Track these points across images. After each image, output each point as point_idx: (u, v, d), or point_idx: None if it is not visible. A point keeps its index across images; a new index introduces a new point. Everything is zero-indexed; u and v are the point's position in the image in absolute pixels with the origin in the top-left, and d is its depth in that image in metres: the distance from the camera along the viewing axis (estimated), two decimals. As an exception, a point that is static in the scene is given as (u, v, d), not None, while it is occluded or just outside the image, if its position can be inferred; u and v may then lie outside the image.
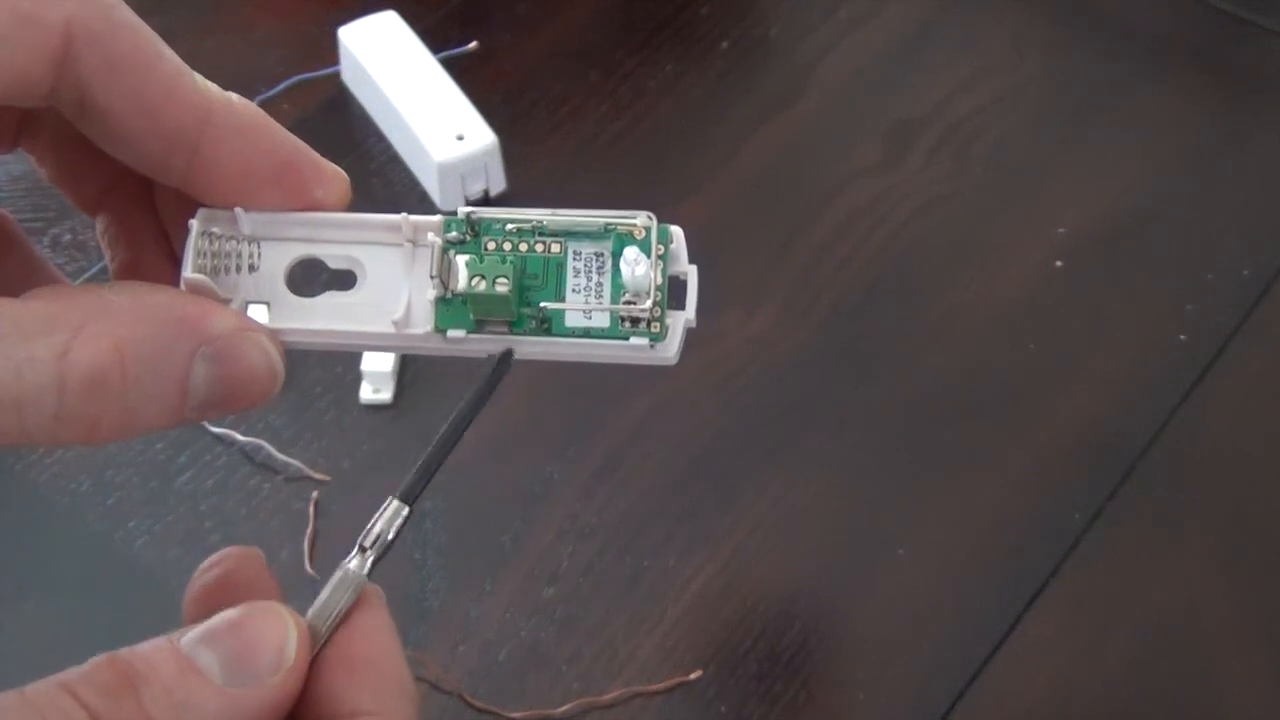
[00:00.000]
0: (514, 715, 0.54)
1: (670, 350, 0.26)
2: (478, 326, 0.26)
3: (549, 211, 0.27)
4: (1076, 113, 0.75)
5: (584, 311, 0.26)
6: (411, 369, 0.63)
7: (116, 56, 0.24)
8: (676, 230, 0.27)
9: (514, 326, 0.26)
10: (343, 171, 0.27)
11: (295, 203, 0.26)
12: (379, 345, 0.27)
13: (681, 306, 0.27)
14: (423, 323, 0.26)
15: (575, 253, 0.27)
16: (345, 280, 0.27)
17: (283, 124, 0.27)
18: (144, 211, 0.28)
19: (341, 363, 0.63)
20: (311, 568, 0.57)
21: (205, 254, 0.26)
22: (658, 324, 0.26)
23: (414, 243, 0.27)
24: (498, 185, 0.69)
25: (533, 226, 0.26)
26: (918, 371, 0.65)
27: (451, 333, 0.26)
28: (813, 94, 0.75)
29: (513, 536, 0.59)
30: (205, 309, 0.24)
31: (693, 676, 0.55)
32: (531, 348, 0.27)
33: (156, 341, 0.23)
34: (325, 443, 0.61)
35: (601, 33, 0.77)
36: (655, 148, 0.72)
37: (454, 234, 0.26)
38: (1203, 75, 0.77)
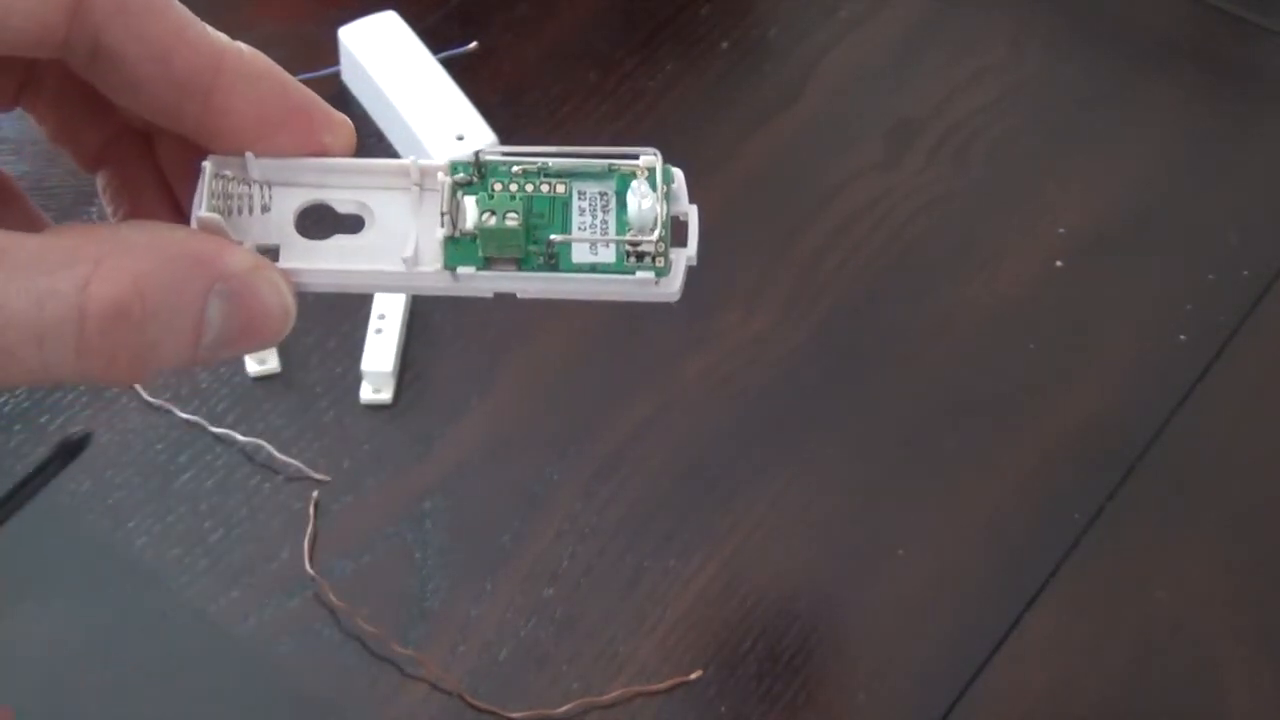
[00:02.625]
0: (514, 715, 0.54)
1: (674, 286, 0.27)
2: (486, 265, 0.27)
3: (555, 150, 0.27)
4: (1076, 113, 0.75)
5: (591, 245, 0.27)
6: (412, 369, 0.63)
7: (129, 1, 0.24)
8: (678, 171, 0.28)
9: (522, 264, 0.27)
10: (348, 119, 0.27)
11: (305, 147, 0.27)
12: (389, 285, 0.27)
13: (683, 246, 0.27)
14: (432, 261, 0.27)
15: (580, 192, 0.27)
16: (354, 225, 0.28)
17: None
18: (145, 165, 0.28)
19: (341, 363, 0.63)
20: (311, 568, 0.57)
21: (218, 195, 0.26)
22: (662, 258, 0.27)
23: (421, 187, 0.27)
24: (498, 185, 0.69)
25: (538, 168, 0.27)
26: (918, 371, 0.65)
27: (461, 269, 0.27)
28: (813, 94, 0.75)
29: (513, 536, 0.59)
30: (221, 247, 0.25)
31: (693, 676, 0.55)
32: (540, 284, 0.27)
33: (173, 277, 0.24)
34: (325, 443, 0.61)
35: (601, 33, 0.77)
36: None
37: (461, 175, 0.27)
38: (1203, 75, 0.77)
